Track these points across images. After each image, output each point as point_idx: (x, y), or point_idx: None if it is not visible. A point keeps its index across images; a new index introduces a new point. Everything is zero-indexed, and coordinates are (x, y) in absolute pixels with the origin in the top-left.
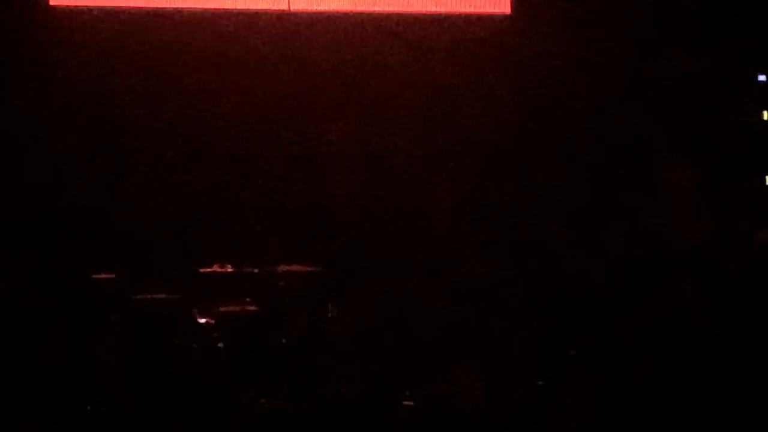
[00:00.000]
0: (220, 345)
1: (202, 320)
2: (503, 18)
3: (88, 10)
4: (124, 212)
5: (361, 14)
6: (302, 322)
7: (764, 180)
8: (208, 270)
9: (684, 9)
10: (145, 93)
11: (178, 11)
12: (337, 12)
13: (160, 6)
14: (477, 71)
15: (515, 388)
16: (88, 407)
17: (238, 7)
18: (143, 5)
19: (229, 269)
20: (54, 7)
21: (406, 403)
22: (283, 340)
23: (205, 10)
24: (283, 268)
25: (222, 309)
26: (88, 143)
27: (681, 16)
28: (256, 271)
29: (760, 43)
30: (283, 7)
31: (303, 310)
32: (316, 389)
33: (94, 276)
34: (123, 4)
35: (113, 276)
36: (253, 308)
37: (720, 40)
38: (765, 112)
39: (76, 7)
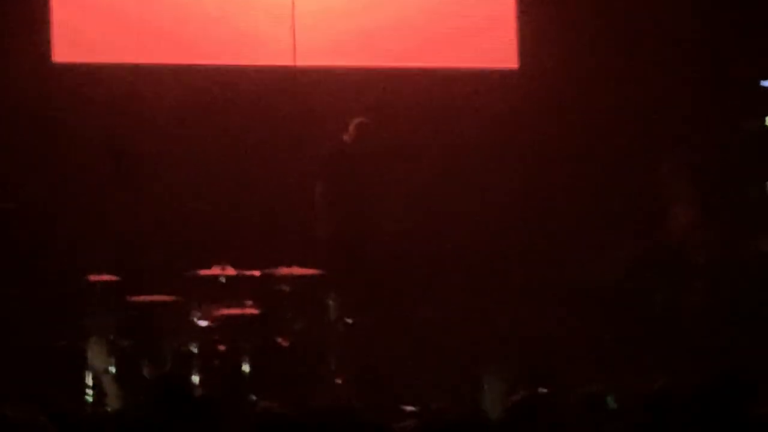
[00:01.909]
0: (220, 348)
1: (202, 323)
2: (511, 72)
3: (92, 67)
4: (122, 213)
5: (368, 69)
6: (303, 325)
7: (766, 187)
8: (208, 272)
9: (685, 24)
10: (151, 147)
11: (183, 67)
12: (344, 68)
13: (165, 62)
14: (485, 125)
15: (517, 394)
16: (87, 409)
17: (244, 62)
18: (148, 61)
19: (230, 271)
20: (57, 64)
21: (407, 408)
22: (284, 344)
23: (209, 66)
24: (283, 270)
25: (222, 312)
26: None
27: (682, 34)
28: (256, 273)
29: (762, 49)
30: (289, 62)
31: (304, 313)
32: (316, 393)
33: (91, 277)
34: (127, 61)
35: (111, 278)
36: (253, 311)
37: (722, 46)
38: (767, 119)
39: (80, 63)
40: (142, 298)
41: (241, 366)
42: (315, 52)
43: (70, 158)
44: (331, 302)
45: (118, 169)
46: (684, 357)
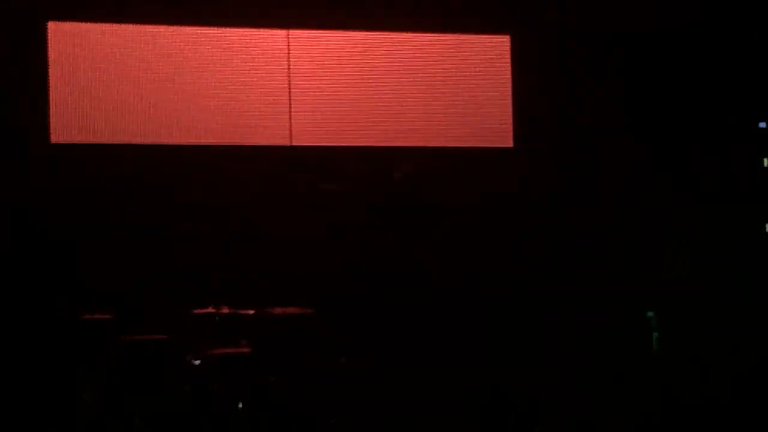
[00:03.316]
0: (214, 387)
1: (197, 362)
2: (506, 151)
3: (90, 147)
4: (118, 253)
5: (365, 148)
6: (297, 364)
7: (764, 227)
8: (203, 311)
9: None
10: (148, 230)
11: (179, 147)
12: (340, 147)
13: (161, 142)
14: (481, 201)
15: None
16: None
17: (240, 142)
18: (144, 141)
19: (224, 311)
20: (55, 145)
21: None
22: (278, 383)
23: (205, 146)
24: (278, 310)
25: (217, 351)
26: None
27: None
28: (251, 313)
29: (760, 90)
30: (285, 142)
31: (298, 353)
32: None
33: (86, 317)
34: (124, 141)
35: (106, 317)
36: (248, 350)
37: (720, 87)
38: (765, 159)
39: (78, 143)
40: (136, 337)
41: (234, 404)
42: (311, 132)
43: (65, 207)
44: (324, 342)
45: (114, 210)
46: (680, 402)
